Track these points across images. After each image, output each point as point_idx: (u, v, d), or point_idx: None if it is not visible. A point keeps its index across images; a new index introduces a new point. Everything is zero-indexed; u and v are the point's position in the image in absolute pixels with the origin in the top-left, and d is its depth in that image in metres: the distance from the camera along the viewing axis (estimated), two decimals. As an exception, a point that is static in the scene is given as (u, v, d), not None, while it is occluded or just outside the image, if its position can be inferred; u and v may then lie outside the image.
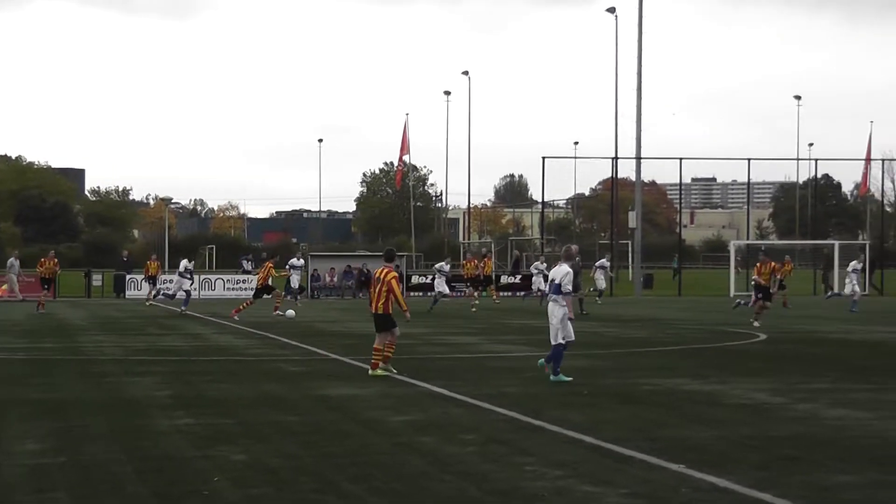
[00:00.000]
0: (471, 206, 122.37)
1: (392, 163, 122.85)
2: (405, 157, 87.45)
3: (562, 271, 19.90)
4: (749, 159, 72.57)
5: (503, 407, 16.51)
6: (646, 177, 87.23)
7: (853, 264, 48.71)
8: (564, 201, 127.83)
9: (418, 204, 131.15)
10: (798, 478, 11.49)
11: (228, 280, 63.43)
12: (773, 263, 37.38)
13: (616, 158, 71.76)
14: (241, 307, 39.82)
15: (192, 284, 47.18)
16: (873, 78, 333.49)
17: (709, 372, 21.50)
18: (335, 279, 62.28)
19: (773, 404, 17.05)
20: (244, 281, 61.91)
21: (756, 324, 34.12)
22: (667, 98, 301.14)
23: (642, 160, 70.15)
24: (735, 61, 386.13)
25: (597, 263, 54.29)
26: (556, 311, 19.77)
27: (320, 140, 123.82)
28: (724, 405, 16.96)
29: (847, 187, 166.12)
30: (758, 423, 15.13)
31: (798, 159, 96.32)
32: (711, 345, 28.49)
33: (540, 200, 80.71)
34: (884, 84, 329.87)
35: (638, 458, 12.47)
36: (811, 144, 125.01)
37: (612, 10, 74.20)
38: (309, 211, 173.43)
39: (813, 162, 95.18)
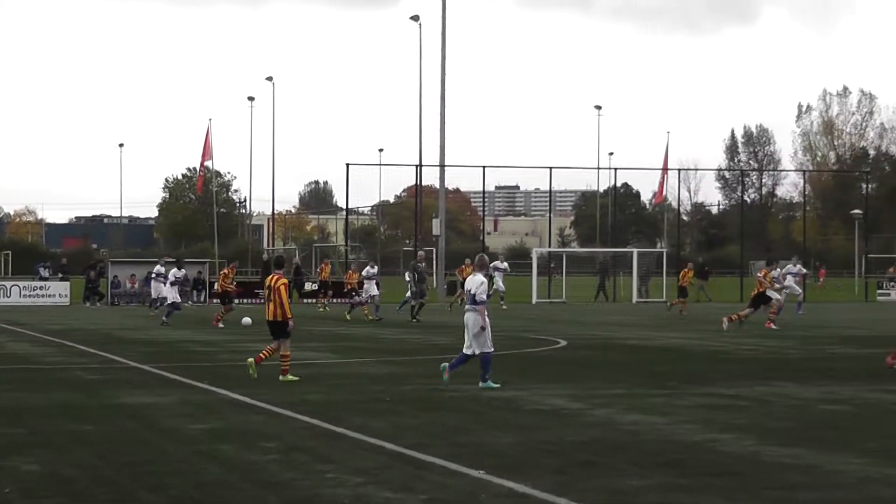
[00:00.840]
0: (275, 212, 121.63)
1: (195, 168, 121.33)
2: (208, 163, 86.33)
3: (476, 281, 20.19)
4: (551, 168, 73.67)
5: (305, 414, 16.46)
6: (450, 184, 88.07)
7: (789, 267, 49.76)
8: (369, 208, 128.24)
9: (222, 210, 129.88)
10: (594, 482, 11.70)
11: (25, 287, 61.68)
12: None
13: (420, 166, 72.08)
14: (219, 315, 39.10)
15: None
16: (670, 89, 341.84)
17: (509, 378, 21.72)
18: (136, 286, 61.20)
19: (571, 410, 17.34)
20: (41, 288, 60.45)
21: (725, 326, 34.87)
22: (471, 105, 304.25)
23: (446, 167, 70.73)
24: (537, 70, 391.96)
25: (492, 265, 53.28)
26: (475, 321, 19.96)
27: (121, 144, 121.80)
28: (524, 411, 17.19)
29: (646, 196, 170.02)
30: (556, 428, 15.36)
31: (598, 168, 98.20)
32: (512, 351, 28.79)
33: (344, 207, 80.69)
34: (681, 95, 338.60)
35: (438, 465, 12.56)
36: (611, 154, 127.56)
37: (415, 17, 74.56)
38: (110, 217, 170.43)
39: (613, 171, 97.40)
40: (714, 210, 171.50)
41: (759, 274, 38.41)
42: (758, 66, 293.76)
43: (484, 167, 71.23)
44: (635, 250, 71.94)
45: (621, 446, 13.90)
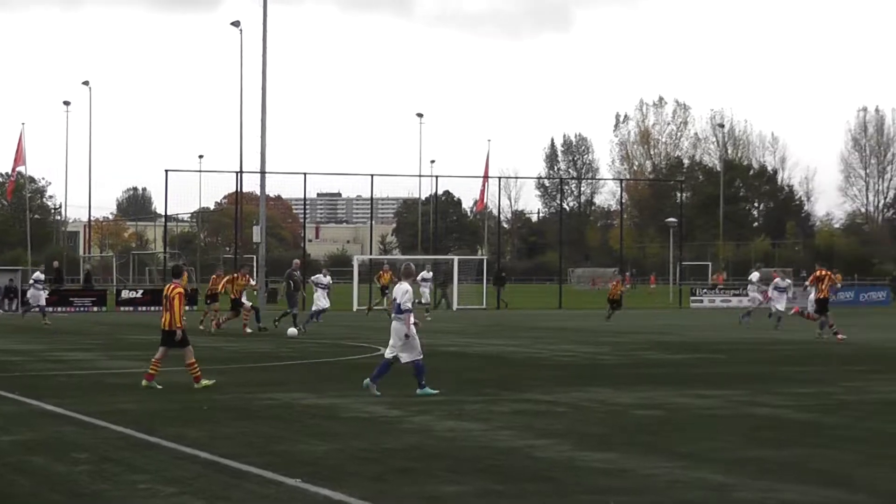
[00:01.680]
0: (91, 219, 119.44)
1: (7, 174, 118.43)
2: (20, 169, 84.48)
3: (401, 289, 20.10)
4: (372, 175, 73.80)
5: (118, 424, 16.16)
6: (271, 191, 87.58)
7: (754, 275, 50.46)
8: (189, 215, 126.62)
9: (36, 216, 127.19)
10: (411, 489, 11.70)
11: None
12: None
13: (240, 172, 71.40)
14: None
15: None
16: (491, 97, 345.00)
17: (327, 386, 21.67)
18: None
19: (389, 417, 17.33)
20: None
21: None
22: (292, 112, 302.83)
23: (267, 174, 70.18)
24: (360, 76, 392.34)
25: (419, 276, 52.74)
26: (399, 330, 19.94)
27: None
28: (342, 419, 17.13)
29: (467, 203, 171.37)
30: (374, 435, 15.33)
31: (420, 176, 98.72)
32: (331, 359, 28.74)
33: (163, 214, 79.60)
34: (501, 103, 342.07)
35: (254, 473, 12.43)
36: (433, 161, 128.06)
37: (236, 23, 73.90)
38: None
39: (434, 178, 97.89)
40: (534, 218, 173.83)
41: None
42: (576, 74, 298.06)
43: (305, 174, 71.15)
44: (456, 258, 72.45)
45: (439, 453, 13.94)
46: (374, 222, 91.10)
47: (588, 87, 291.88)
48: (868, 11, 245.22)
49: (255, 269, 69.98)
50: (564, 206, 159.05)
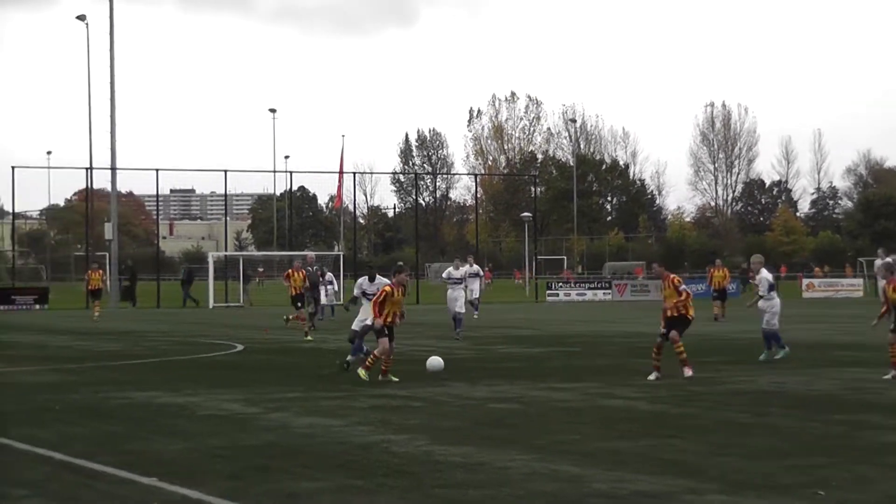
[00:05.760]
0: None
1: None
2: None
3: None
4: (226, 171, 73.30)
5: (-33, 426, 15.83)
6: (123, 188, 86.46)
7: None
8: (38, 212, 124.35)
9: None
10: (267, 486, 11.65)
11: None
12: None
13: (91, 169, 70.38)
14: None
15: None
16: (345, 92, 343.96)
17: (183, 384, 21.46)
18: None
19: (246, 414, 17.23)
20: None
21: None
22: (143, 108, 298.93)
23: (118, 171, 69.32)
24: (209, 72, 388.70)
25: (464, 271, 51.47)
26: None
27: None
28: (197, 417, 16.98)
29: (322, 199, 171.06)
30: (230, 433, 15.23)
31: (275, 171, 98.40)
32: (187, 356, 28.47)
33: (11, 211, 77.98)
34: (355, 99, 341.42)
35: (108, 473, 12.27)
36: (287, 157, 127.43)
37: (82, 17, 72.79)
38: None
39: (289, 174, 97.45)
40: (390, 213, 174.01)
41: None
42: (427, 69, 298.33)
43: (157, 170, 70.28)
44: (313, 253, 72.15)
45: (296, 449, 13.89)
46: (228, 218, 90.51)
47: (440, 82, 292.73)
48: (714, 8, 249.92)
49: (107, 266, 68.99)
50: (420, 201, 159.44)
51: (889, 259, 41.79)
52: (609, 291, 76.17)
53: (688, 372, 22.03)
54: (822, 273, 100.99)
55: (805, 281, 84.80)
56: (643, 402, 18.62)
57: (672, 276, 22.58)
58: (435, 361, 21.92)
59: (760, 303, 26.64)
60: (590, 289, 76.89)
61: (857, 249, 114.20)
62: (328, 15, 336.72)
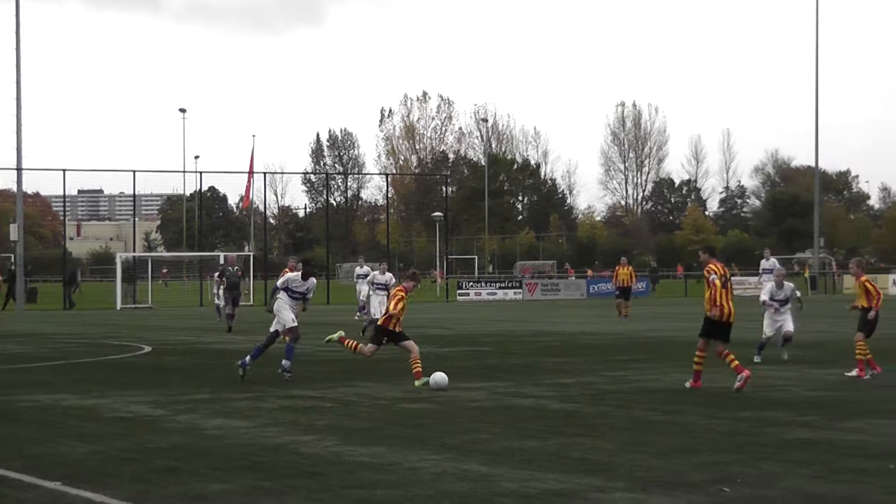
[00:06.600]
0: None
1: None
2: None
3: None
4: (135, 171, 72.65)
5: None
6: (29, 188, 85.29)
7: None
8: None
9: None
10: (174, 488, 11.53)
11: None
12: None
13: (-4, 169, 69.48)
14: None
15: None
16: (255, 92, 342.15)
17: (90, 386, 21.20)
18: None
19: (154, 416, 17.05)
20: None
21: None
22: (50, 108, 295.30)
23: (24, 171, 68.40)
24: (117, 72, 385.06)
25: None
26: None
27: None
28: (104, 419, 16.77)
29: (233, 199, 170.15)
30: (137, 435, 15.05)
31: (185, 172, 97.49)
32: (95, 359, 28.15)
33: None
34: (265, 99, 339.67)
35: (11, 477, 12.08)
36: (197, 157, 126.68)
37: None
38: None
39: (199, 174, 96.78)
40: (301, 213, 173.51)
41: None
42: (338, 69, 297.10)
43: (64, 171, 69.35)
44: (222, 254, 71.73)
45: (204, 451, 13.77)
46: (137, 219, 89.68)
47: (352, 82, 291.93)
48: (626, 9, 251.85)
49: (14, 267, 68.09)
50: (331, 201, 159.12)
51: (774, 259, 42.53)
52: (520, 291, 76.50)
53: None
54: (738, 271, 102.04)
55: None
56: (553, 401, 18.68)
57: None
58: (440, 377, 20.96)
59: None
60: (500, 288, 77.17)
61: (764, 248, 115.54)
62: (238, 14, 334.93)
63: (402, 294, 21.57)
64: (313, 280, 22.82)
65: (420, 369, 20.97)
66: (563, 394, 19.60)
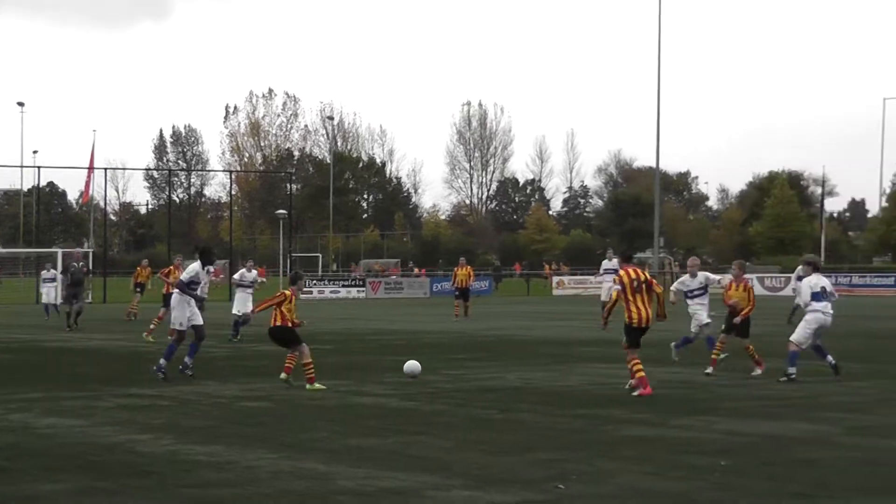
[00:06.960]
0: None
1: None
2: None
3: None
4: (-30, 165, 71.02)
5: None
6: None
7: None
8: None
9: None
10: (5, 488, 11.31)
11: None
12: None
13: None
14: None
15: None
16: (95, 86, 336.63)
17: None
18: None
19: (-15, 415, 16.71)
20: None
21: None
22: None
23: None
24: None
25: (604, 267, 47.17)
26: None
27: None
28: (-67, 419, 16.39)
29: (72, 195, 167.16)
30: (-32, 435, 14.75)
31: (22, 166, 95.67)
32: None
33: None
34: (106, 93, 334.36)
35: None
36: (35, 152, 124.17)
37: None
38: None
39: (37, 169, 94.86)
40: (143, 209, 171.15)
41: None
42: (182, 64, 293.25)
43: None
44: (60, 250, 70.46)
45: (36, 451, 13.53)
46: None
47: (196, 78, 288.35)
48: (471, 9, 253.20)
49: None
50: (174, 197, 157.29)
51: (616, 260, 43.01)
52: (363, 289, 76.51)
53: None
54: (567, 269, 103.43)
55: (555, 278, 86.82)
56: (393, 399, 18.74)
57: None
58: (413, 366, 20.97)
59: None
60: (343, 286, 77.10)
61: (605, 247, 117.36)
62: (79, 7, 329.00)
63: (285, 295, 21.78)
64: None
65: (291, 367, 20.93)
66: (402, 392, 19.67)
